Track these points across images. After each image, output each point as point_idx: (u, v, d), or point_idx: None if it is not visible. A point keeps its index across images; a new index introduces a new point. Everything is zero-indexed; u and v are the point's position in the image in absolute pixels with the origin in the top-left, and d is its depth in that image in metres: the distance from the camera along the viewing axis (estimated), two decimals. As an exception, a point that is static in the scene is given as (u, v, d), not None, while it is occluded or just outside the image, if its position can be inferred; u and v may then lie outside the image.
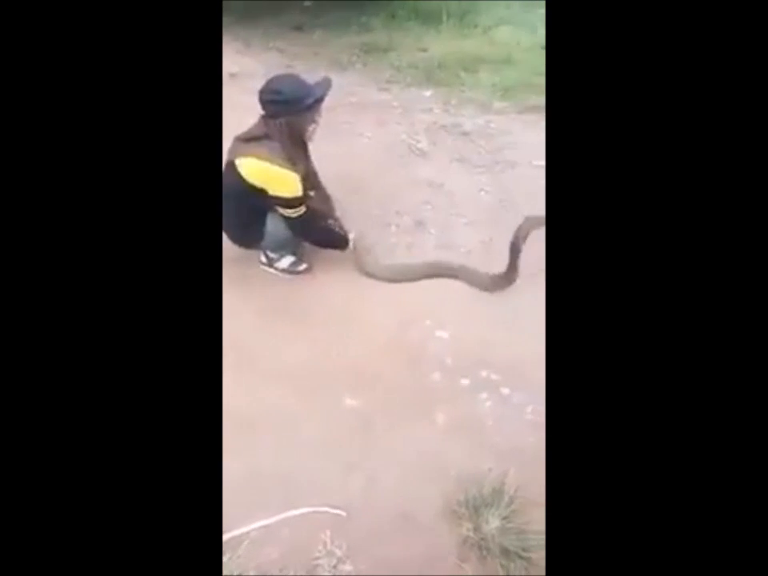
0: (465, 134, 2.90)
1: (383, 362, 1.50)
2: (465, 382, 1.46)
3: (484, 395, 1.42)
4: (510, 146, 2.73)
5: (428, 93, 3.43)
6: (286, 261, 1.85)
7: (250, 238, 1.75)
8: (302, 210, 1.63)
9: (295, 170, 1.55)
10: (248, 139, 1.55)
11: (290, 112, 1.50)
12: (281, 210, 1.61)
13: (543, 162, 2.57)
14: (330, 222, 1.88)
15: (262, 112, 1.55)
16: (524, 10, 4.65)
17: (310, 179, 1.67)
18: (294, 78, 1.56)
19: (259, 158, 1.51)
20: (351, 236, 1.82)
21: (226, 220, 1.57)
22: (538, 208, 2.26)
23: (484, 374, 1.48)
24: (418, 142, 2.77)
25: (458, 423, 1.35)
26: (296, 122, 1.53)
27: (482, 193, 2.38)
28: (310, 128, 1.59)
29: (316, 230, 1.77)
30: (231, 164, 1.55)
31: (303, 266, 1.87)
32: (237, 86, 3.05)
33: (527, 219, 1.63)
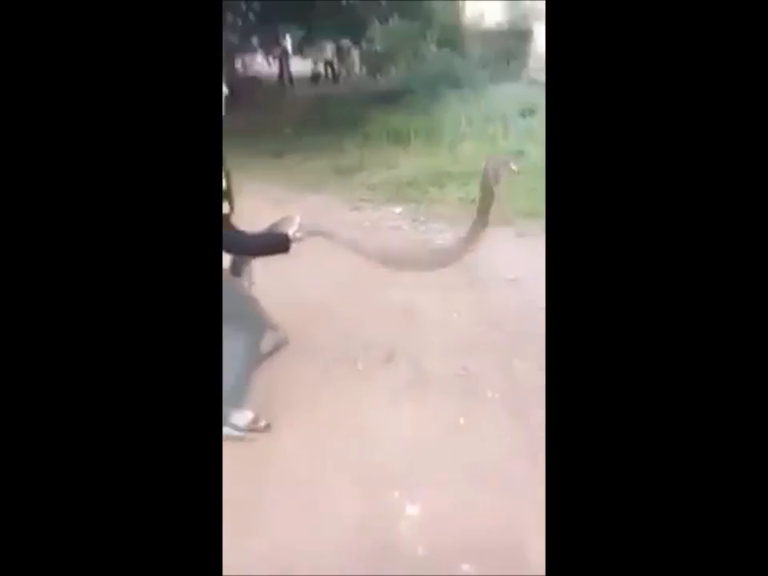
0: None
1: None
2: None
3: None
4: (481, 260, 2.69)
5: (398, 209, 3.51)
6: (243, 417, 1.66)
7: None
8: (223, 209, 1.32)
9: None
10: None
11: None
12: None
13: (515, 276, 2.52)
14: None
15: None
16: (485, 124, 5.00)
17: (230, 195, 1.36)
18: None
19: None
20: (292, 230, 1.41)
21: None
22: (516, 328, 2.23)
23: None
24: (388, 262, 2.74)
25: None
26: None
27: (455, 315, 2.27)
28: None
29: (245, 240, 1.38)
30: None
31: (263, 423, 1.67)
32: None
33: (491, 159, 1.46)
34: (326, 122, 5.74)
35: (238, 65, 9.02)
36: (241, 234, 1.28)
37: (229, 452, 1.54)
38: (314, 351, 1.99)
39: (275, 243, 1.36)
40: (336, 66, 9.88)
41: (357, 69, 8.35)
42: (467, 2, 8.24)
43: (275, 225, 1.44)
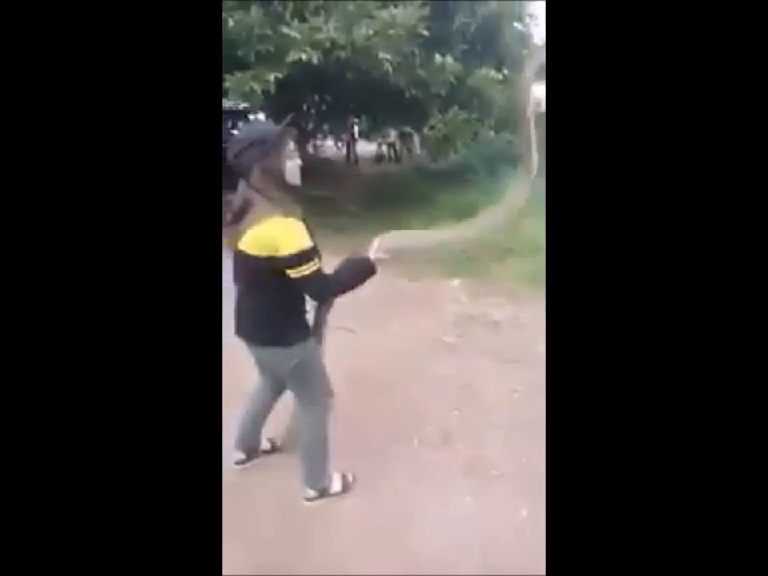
0: (494, 324, 2.84)
1: None
2: None
3: None
4: (539, 334, 2.60)
5: (456, 282, 3.53)
6: (336, 481, 1.63)
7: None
8: (317, 263, 1.24)
9: (295, 216, 1.25)
10: (236, 218, 1.27)
11: (258, 156, 1.24)
12: (291, 274, 1.23)
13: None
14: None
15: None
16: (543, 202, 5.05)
17: (318, 250, 1.31)
18: (256, 123, 1.41)
19: (258, 223, 1.22)
20: (373, 252, 1.38)
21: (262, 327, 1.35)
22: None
23: None
24: (445, 335, 2.72)
25: None
26: (270, 163, 1.26)
27: (515, 394, 2.17)
28: (290, 166, 1.30)
29: (337, 279, 1.33)
30: (239, 255, 1.28)
31: (350, 477, 1.67)
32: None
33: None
34: (388, 199, 6.05)
35: (310, 148, 9.93)
36: (330, 275, 1.31)
37: (271, 519, 1.51)
38: (368, 426, 1.96)
39: (363, 269, 1.35)
40: (398, 148, 10.60)
41: (418, 150, 8.89)
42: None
43: (353, 253, 1.43)
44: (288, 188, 1.30)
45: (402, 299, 3.25)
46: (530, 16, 5.73)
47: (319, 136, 8.76)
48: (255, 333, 1.37)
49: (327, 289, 1.32)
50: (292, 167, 1.31)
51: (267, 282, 1.29)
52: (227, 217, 1.29)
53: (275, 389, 1.65)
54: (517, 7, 5.19)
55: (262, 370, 1.61)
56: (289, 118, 1.33)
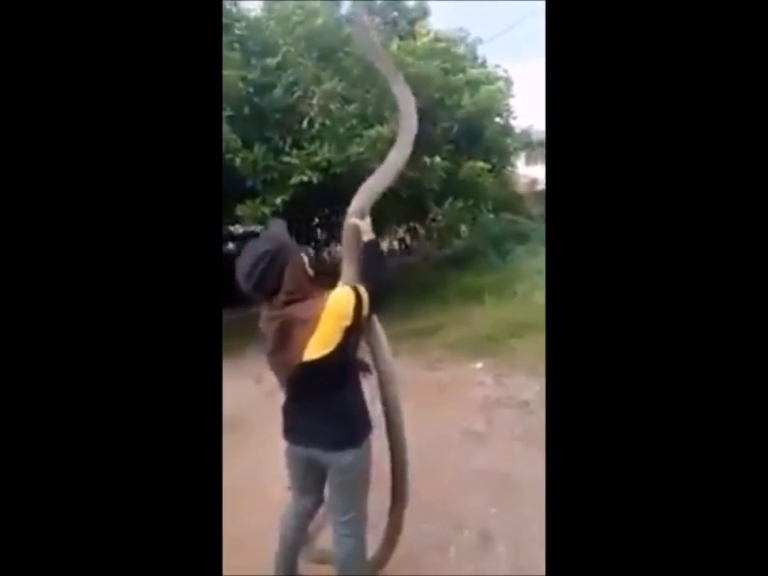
0: (524, 403, 2.71)
1: None
2: None
3: None
4: (576, 412, 2.46)
5: (479, 365, 3.45)
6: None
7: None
8: (353, 286, 1.28)
9: (327, 294, 1.26)
10: (283, 340, 1.24)
11: (286, 259, 1.25)
12: (364, 298, 1.26)
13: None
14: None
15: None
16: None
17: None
18: (250, 248, 1.29)
19: (310, 324, 1.21)
20: (365, 234, 1.42)
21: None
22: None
23: None
24: (473, 423, 2.60)
25: None
26: (296, 260, 1.27)
27: (556, 480, 1.99)
28: (301, 259, 1.31)
29: (373, 275, 1.36)
30: (308, 366, 1.23)
31: None
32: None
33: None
34: (403, 287, 6.18)
35: (325, 255, 10.49)
36: (369, 282, 1.33)
37: None
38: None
39: (377, 252, 1.45)
40: (408, 241, 11.07)
41: (426, 242, 9.28)
42: (520, 172, 9.21)
43: (361, 251, 1.43)
44: (311, 279, 1.32)
45: (426, 390, 3.17)
46: (507, 110, 6.24)
47: (331, 243, 9.28)
48: (330, 437, 1.29)
49: (379, 275, 1.37)
50: (306, 260, 1.34)
51: (344, 372, 1.29)
52: (267, 348, 1.28)
53: (315, 506, 1.50)
54: (494, 105, 5.66)
55: (307, 486, 1.45)
56: (274, 222, 1.48)
